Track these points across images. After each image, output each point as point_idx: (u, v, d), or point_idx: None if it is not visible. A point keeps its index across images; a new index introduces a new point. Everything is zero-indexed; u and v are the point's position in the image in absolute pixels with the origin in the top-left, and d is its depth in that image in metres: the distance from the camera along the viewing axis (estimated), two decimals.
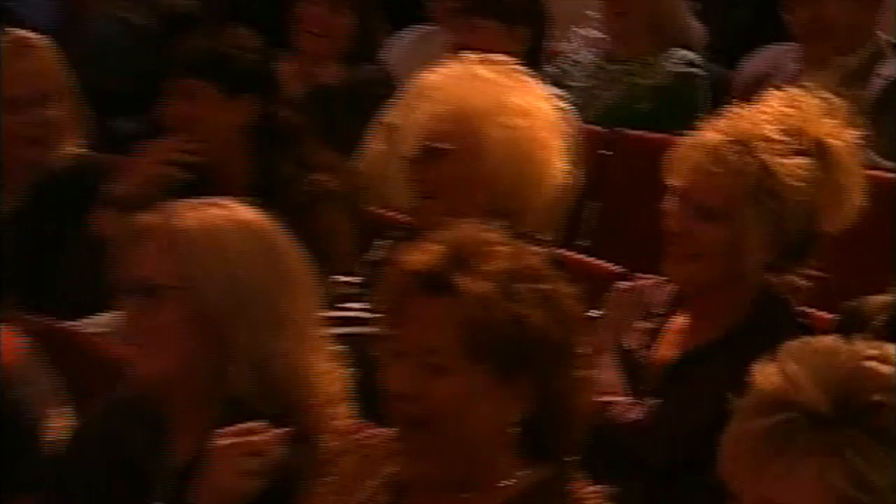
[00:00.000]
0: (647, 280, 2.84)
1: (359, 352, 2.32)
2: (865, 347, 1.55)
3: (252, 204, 2.33)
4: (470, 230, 2.00)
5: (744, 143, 2.60)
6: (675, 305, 2.74)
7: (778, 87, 2.80)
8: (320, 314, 2.33)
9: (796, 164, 2.61)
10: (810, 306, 2.79)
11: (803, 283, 2.71)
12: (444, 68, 3.07)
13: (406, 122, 3.12)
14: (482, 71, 3.01)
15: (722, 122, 2.67)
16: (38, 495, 2.39)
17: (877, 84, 3.90)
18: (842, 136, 2.68)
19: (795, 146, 2.63)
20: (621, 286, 2.88)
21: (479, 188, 2.98)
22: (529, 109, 2.99)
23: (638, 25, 4.37)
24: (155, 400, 2.28)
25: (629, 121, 4.21)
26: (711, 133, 2.65)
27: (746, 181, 2.58)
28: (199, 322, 2.21)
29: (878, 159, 3.70)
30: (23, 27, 3.92)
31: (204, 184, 3.38)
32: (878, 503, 1.48)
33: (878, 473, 1.47)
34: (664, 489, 2.60)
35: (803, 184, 2.60)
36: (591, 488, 2.00)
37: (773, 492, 1.52)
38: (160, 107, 3.51)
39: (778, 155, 2.60)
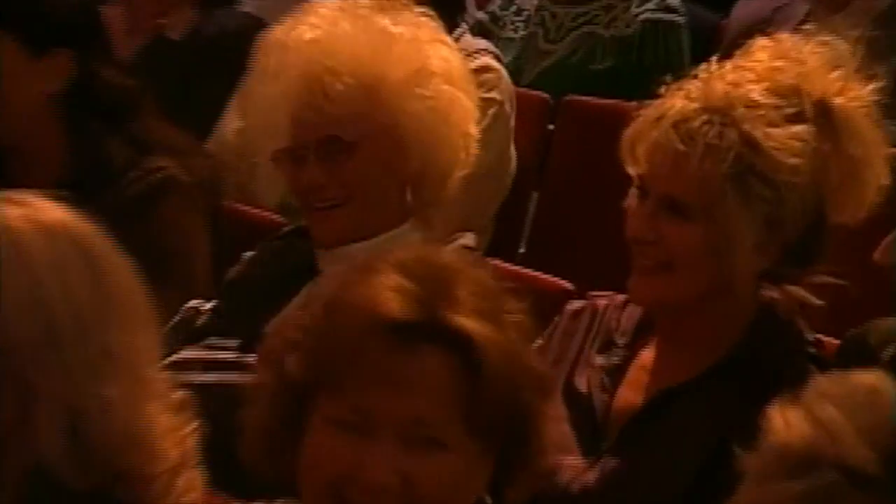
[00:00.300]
0: (605, 299, 2.86)
1: (210, 401, 2.33)
2: None
3: (65, 200, 2.31)
4: (413, 246, 2.08)
5: (721, 112, 2.62)
6: (644, 333, 2.78)
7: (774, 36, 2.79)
8: (160, 352, 2.32)
9: (792, 135, 2.63)
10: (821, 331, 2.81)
11: (815, 300, 2.73)
12: (320, 14, 3.03)
13: (273, 94, 3.07)
14: (381, 20, 2.99)
15: (693, 86, 2.68)
16: None
17: None
18: (853, 95, 2.71)
19: (791, 111, 2.65)
20: (572, 308, 2.89)
21: (405, 184, 3.00)
22: (448, 68, 3.00)
23: None
24: None
25: (584, 84, 4.24)
26: (678, 101, 2.66)
27: (727, 162, 2.59)
28: None
29: None
30: None
31: (4, 169, 3.37)
32: None
33: None
34: None
35: (803, 160, 2.62)
36: None
37: None
38: None
39: (767, 124, 2.62)
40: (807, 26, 3.98)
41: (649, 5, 4.38)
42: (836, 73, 2.71)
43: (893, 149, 2.77)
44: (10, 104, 3.43)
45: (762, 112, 2.63)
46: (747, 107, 2.62)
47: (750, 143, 2.60)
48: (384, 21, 2.99)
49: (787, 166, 2.61)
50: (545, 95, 4.12)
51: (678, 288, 2.67)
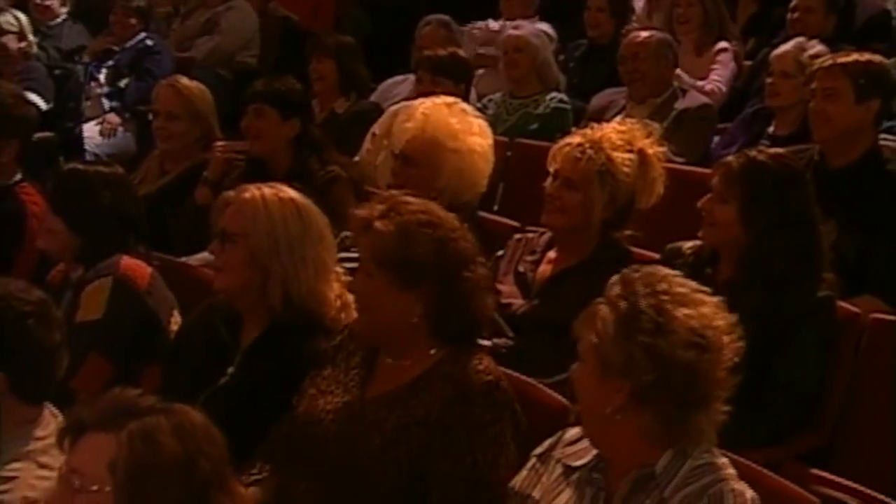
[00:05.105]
0: (532, 231, 2.80)
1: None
2: None
3: (293, 186, 2.29)
4: (404, 198, 1.98)
5: (595, 143, 2.57)
6: (550, 245, 2.70)
7: (612, 117, 2.75)
8: (335, 256, 2.29)
9: (627, 159, 2.57)
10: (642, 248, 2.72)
11: (631, 235, 2.66)
12: (425, 102, 2.95)
13: (394, 127, 2.99)
14: (449, 114, 2.88)
15: (583, 132, 2.64)
16: (163, 363, 2.37)
17: (673, 114, 3.87)
18: (654, 147, 2.64)
19: (627, 148, 2.58)
20: (516, 236, 2.83)
21: (432, 191, 2.86)
22: (473, 147, 2.88)
23: (525, 75, 4.31)
24: (231, 304, 2.25)
25: (524, 135, 4.15)
26: (576, 138, 2.62)
27: (596, 165, 2.54)
28: (251, 258, 2.17)
29: (673, 157, 3.68)
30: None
31: (262, 171, 3.28)
32: None
33: None
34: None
35: (630, 172, 2.56)
36: (487, 358, 1.93)
37: None
38: (241, 123, 3.43)
39: (616, 151, 2.56)
40: (627, 111, 3.93)
41: (554, 100, 4.25)
42: (648, 137, 2.64)
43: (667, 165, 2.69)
44: (271, 141, 3.36)
45: (615, 145, 2.57)
46: (608, 143, 2.57)
47: (608, 159, 2.55)
48: (448, 112, 2.87)
49: (623, 173, 2.55)
50: (506, 139, 4.01)
51: (565, 222, 2.60)
